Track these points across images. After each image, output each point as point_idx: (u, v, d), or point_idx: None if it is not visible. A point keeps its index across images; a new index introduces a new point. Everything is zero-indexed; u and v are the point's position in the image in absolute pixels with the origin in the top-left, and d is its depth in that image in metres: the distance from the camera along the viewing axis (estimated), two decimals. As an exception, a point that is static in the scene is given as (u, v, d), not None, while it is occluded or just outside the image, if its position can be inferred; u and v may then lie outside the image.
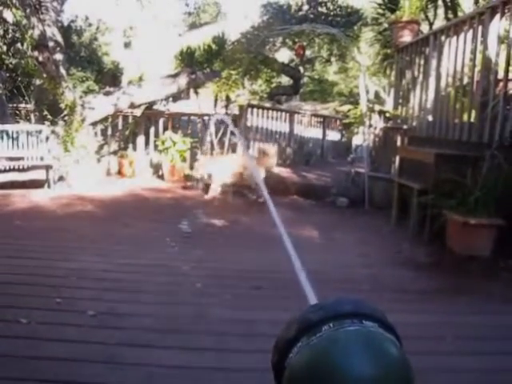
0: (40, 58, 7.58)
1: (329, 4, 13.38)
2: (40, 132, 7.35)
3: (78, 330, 2.61)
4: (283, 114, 10.31)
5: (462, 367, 2.45)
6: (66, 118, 7.53)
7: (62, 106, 7.46)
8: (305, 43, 12.24)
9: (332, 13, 13.01)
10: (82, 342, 2.47)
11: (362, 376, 0.44)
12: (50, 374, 2.19)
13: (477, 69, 5.23)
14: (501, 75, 4.75)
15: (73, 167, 7.49)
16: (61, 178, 7.42)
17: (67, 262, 3.76)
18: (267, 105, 11.94)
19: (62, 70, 7.83)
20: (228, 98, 8.70)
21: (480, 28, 5.08)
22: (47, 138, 7.40)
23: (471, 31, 5.24)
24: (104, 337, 2.54)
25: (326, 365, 0.45)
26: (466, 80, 5.47)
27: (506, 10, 4.64)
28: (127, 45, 18.97)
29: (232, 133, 6.75)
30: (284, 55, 13.63)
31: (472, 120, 5.17)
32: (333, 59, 14.06)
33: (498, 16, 4.80)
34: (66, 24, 11.89)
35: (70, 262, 3.74)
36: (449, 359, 2.49)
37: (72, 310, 2.83)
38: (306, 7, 13.44)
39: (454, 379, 2.31)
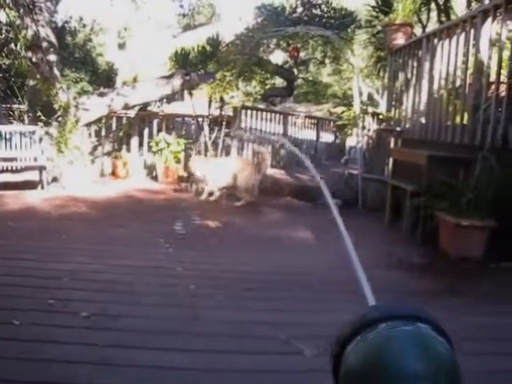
0: (33, 59, 7.56)
1: (323, 6, 13.40)
2: (33, 133, 7.33)
3: (71, 331, 2.60)
4: (277, 115, 10.33)
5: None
6: (59, 118, 7.51)
7: (56, 106, 7.45)
8: (299, 45, 12.26)
9: (326, 15, 13.03)
10: (75, 343, 2.47)
11: (411, 372, 0.47)
12: (42, 375, 2.19)
13: (469, 71, 5.26)
14: (493, 78, 4.78)
15: (66, 168, 7.47)
16: (54, 179, 7.40)
17: (60, 263, 3.75)
18: (261, 106, 11.96)
19: (56, 71, 7.81)
20: (222, 100, 8.70)
21: (472, 31, 5.12)
22: (41, 139, 7.38)
23: (463, 34, 5.28)
24: (97, 338, 2.53)
25: (379, 358, 0.49)
26: (458, 82, 5.50)
27: (498, 14, 4.68)
28: (121, 46, 18.93)
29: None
30: (278, 57, 13.64)
31: (464, 122, 5.21)
32: (327, 61, 14.07)
33: (489, 19, 4.84)
34: (59, 25, 11.84)
35: (62, 264, 3.73)
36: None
37: (65, 312, 2.83)
38: (300, 9, 13.46)
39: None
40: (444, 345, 0.51)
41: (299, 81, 16.71)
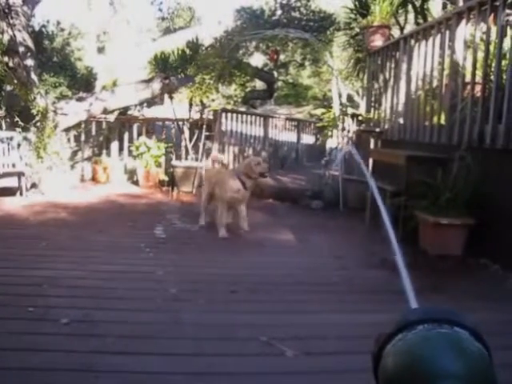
0: (10, 64, 7.47)
1: (302, 9, 13.51)
2: (11, 139, 7.23)
3: (51, 338, 2.57)
4: (257, 118, 10.35)
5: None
6: (38, 124, 7.42)
7: (34, 111, 7.36)
8: (278, 48, 12.32)
9: (305, 18, 13.13)
10: (55, 350, 2.44)
11: (446, 371, 0.50)
12: None
13: (445, 72, 5.34)
14: (468, 78, 4.86)
15: (46, 174, 7.39)
16: (33, 185, 7.31)
17: (40, 269, 3.70)
18: (242, 109, 11.97)
19: (34, 76, 7.73)
20: (203, 103, 8.70)
21: (447, 33, 5.21)
22: (19, 145, 7.28)
23: (439, 36, 5.37)
24: (78, 345, 2.51)
25: (416, 357, 0.52)
26: (435, 83, 5.58)
27: (472, 16, 4.76)
28: (101, 50, 18.79)
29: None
30: (258, 60, 13.69)
31: (442, 122, 5.28)
32: (306, 63, 14.18)
33: (464, 21, 4.92)
34: (37, 29, 11.71)
35: (42, 270, 3.68)
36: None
37: (45, 319, 2.79)
38: (279, 12, 13.54)
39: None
40: (481, 350, 0.53)
41: (279, 83, 16.79)
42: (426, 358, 0.51)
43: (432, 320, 0.55)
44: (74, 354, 2.41)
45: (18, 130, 7.30)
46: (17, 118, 7.26)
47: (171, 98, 9.11)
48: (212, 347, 2.59)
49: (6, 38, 7.44)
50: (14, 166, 7.17)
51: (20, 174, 7.03)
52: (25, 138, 7.34)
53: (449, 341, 0.53)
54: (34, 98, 7.41)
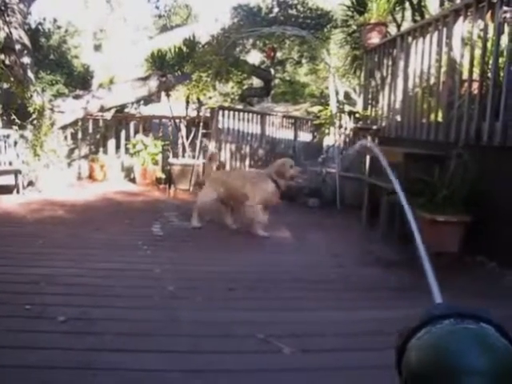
0: (6, 61, 7.44)
1: (299, 6, 13.47)
2: (8, 136, 7.21)
3: (48, 336, 2.57)
4: (254, 115, 10.34)
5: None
6: (34, 121, 7.40)
7: (31, 109, 7.33)
8: (275, 45, 12.30)
9: (302, 15, 13.10)
10: (53, 348, 2.43)
11: (472, 367, 0.49)
12: (17, 382, 2.16)
13: (442, 70, 5.35)
14: (466, 76, 4.86)
15: (42, 172, 7.37)
16: (30, 183, 7.29)
17: (37, 267, 3.70)
18: (239, 107, 11.96)
19: (30, 74, 7.70)
20: (200, 101, 8.68)
21: (445, 30, 5.21)
22: (15, 143, 7.26)
23: (436, 33, 5.36)
24: (75, 343, 2.50)
25: (441, 352, 0.51)
26: (432, 80, 5.58)
27: (469, 13, 4.76)
28: (97, 48, 18.75)
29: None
30: (255, 57, 13.67)
31: (439, 120, 5.29)
32: (303, 61, 14.16)
33: (461, 18, 4.92)
34: (33, 26, 11.66)
35: (39, 268, 3.68)
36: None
37: (42, 317, 2.79)
38: (276, 10, 13.50)
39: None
40: (507, 346, 0.53)
41: (276, 81, 16.77)
42: (452, 353, 0.50)
43: (458, 315, 0.55)
44: (72, 352, 2.41)
45: (15, 127, 7.27)
46: (13, 116, 7.23)
47: (168, 95, 9.09)
48: (210, 345, 2.59)
49: (2, 35, 7.41)
50: (10, 163, 7.15)
51: (17, 172, 7.01)
52: (21, 136, 7.32)
53: (475, 336, 0.53)
54: (31, 96, 7.39)
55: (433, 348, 0.52)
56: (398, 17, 9.38)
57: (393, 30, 8.35)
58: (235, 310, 3.09)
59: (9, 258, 3.95)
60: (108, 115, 9.20)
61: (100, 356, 2.40)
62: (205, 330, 2.76)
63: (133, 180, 8.62)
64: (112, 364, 2.34)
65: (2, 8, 7.32)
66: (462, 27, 4.94)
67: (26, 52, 7.65)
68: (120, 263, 4.01)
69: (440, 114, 5.33)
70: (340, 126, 7.12)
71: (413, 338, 0.54)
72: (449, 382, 0.49)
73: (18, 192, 6.96)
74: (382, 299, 3.42)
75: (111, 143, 9.20)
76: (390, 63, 6.76)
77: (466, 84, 4.84)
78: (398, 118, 6.35)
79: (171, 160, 8.38)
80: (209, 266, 4.05)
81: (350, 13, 8.56)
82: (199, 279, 3.68)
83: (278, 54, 14.12)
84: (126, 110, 10.43)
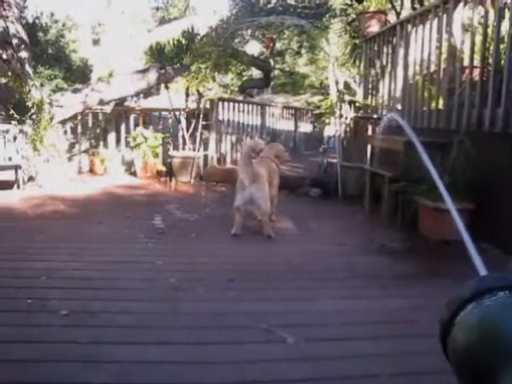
0: (4, 56, 7.39)
1: (297, -4, 13.41)
2: (7, 132, 7.18)
3: (51, 330, 2.56)
4: (254, 106, 10.29)
5: (439, 349, 2.48)
6: (33, 116, 7.36)
7: (29, 104, 7.30)
8: (274, 36, 12.24)
9: (300, 5, 13.05)
10: (55, 342, 2.43)
11: None
12: (21, 376, 2.15)
13: (443, 57, 5.30)
14: (466, 62, 4.82)
15: (43, 167, 7.35)
16: (31, 178, 7.28)
17: (38, 262, 3.70)
18: (239, 98, 11.91)
19: (28, 68, 7.66)
20: (199, 93, 8.64)
21: (445, 16, 5.15)
22: (15, 138, 7.23)
23: (436, 20, 5.31)
24: (77, 336, 2.50)
25: (496, 326, 0.46)
26: (432, 68, 5.53)
27: (469, 0, 4.72)
28: (96, 42, 18.66)
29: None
30: (254, 48, 13.60)
31: (440, 107, 5.25)
32: (303, 51, 14.10)
33: (461, 4, 4.87)
34: (30, 21, 11.62)
35: (41, 262, 3.67)
36: (426, 341, 2.51)
37: (43, 311, 2.78)
38: (274, 0, 13.44)
39: (432, 360, 2.34)
40: None
41: (276, 72, 16.71)
42: (507, 328, 0.45)
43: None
44: (73, 345, 2.40)
45: (14, 122, 7.24)
46: (12, 111, 7.19)
47: (167, 87, 9.05)
48: (212, 336, 2.58)
49: (-1, 29, 7.37)
50: (10, 159, 7.12)
51: (17, 167, 6.99)
52: (21, 131, 7.28)
53: None
54: (29, 91, 7.35)
55: (486, 324, 0.46)
56: (397, 5, 9.31)
57: (392, 18, 8.28)
58: (237, 301, 3.08)
59: (10, 253, 3.95)
60: (108, 108, 9.16)
61: (102, 348, 2.39)
62: (207, 321, 2.75)
63: (134, 173, 8.60)
64: (114, 356, 2.33)
65: (-1, 2, 7.27)
66: (462, 13, 4.89)
67: (23, 46, 7.60)
68: (121, 256, 4.00)
69: (441, 102, 5.29)
70: (340, 116, 7.08)
71: (462, 311, 0.49)
72: (503, 362, 0.43)
73: (18, 187, 6.95)
74: (386, 288, 3.41)
75: (111, 137, 9.17)
76: (390, 51, 6.71)
77: (466, 71, 4.79)
78: (399, 107, 6.31)
79: (172, 152, 8.35)
80: (211, 258, 4.03)
81: (348, 1, 8.50)
82: (201, 271, 3.67)
83: (278, 45, 14.07)
84: (126, 104, 10.40)
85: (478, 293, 0.49)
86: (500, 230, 4.04)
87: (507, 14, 4.26)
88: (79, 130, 9.01)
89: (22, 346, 2.38)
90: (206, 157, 8.46)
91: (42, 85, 8.73)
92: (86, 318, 2.72)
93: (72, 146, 8.93)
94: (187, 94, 8.62)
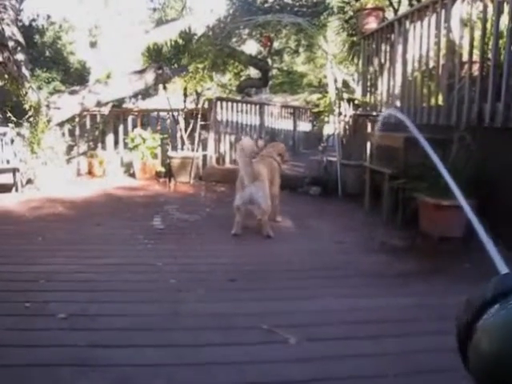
0: (0, 58, 7.36)
1: (294, -5, 13.35)
2: (4, 134, 7.14)
3: (48, 333, 2.53)
4: (253, 106, 10.25)
5: (442, 347, 2.44)
6: (30, 119, 7.33)
7: (26, 106, 7.27)
8: (272, 34, 12.20)
9: (298, 3, 12.99)
10: (53, 345, 2.39)
11: None
12: (17, 381, 2.12)
13: (442, 52, 5.26)
14: (465, 58, 4.78)
15: (41, 169, 7.31)
16: (29, 181, 7.24)
17: (36, 265, 3.66)
18: (237, 98, 11.87)
19: (25, 70, 7.62)
20: (197, 93, 8.61)
21: (443, 12, 5.12)
22: (12, 141, 7.19)
23: (435, 15, 5.28)
24: (75, 339, 2.46)
25: None
26: (431, 64, 5.50)
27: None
28: (93, 44, 18.62)
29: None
30: (252, 48, 13.56)
31: (439, 103, 5.21)
32: (301, 49, 14.06)
33: (459, 0, 4.83)
34: (26, 23, 11.58)
35: (39, 265, 3.63)
36: (429, 339, 2.49)
37: (41, 314, 2.75)
38: (271, -1, 13.39)
39: (435, 358, 2.31)
40: None
41: (274, 71, 16.67)
42: None
43: None
44: (73, 349, 2.36)
45: (11, 125, 7.21)
46: (9, 114, 7.16)
47: (165, 88, 9.01)
48: (213, 337, 2.55)
49: (-6, 32, 7.32)
50: (8, 162, 7.09)
51: (15, 170, 6.95)
52: (18, 134, 7.24)
53: None
54: (26, 93, 7.31)
55: None
56: (395, 1, 9.28)
57: (390, 15, 8.25)
58: (238, 302, 3.04)
59: (8, 256, 3.91)
60: (105, 110, 9.12)
61: (100, 352, 2.36)
62: (208, 322, 2.72)
63: (132, 175, 8.56)
64: (113, 360, 2.30)
65: (-6, 5, 7.23)
66: (460, 8, 4.86)
67: (19, 49, 7.56)
68: (121, 258, 3.96)
69: (440, 98, 5.26)
70: (339, 114, 7.05)
71: (484, 314, 0.44)
72: None
73: (16, 190, 6.91)
74: (385, 286, 3.37)
75: (109, 138, 9.14)
76: (388, 48, 6.67)
77: (466, 66, 4.76)
78: (398, 104, 6.27)
79: (170, 153, 8.32)
80: (211, 258, 4.00)
81: (346, -1, 8.47)
82: (201, 271, 3.64)
83: (275, 44, 14.02)
84: (124, 105, 10.35)
85: (502, 293, 0.44)
86: (503, 225, 4.00)
87: (506, 9, 4.22)
88: (77, 132, 8.98)
89: (18, 351, 2.34)
90: (204, 157, 8.42)
91: (39, 88, 8.68)
92: (85, 321, 2.69)
93: (70, 148, 8.89)
94: (185, 95, 8.58)
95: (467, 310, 0.46)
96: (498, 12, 4.19)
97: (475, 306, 0.45)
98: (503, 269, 0.59)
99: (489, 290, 0.45)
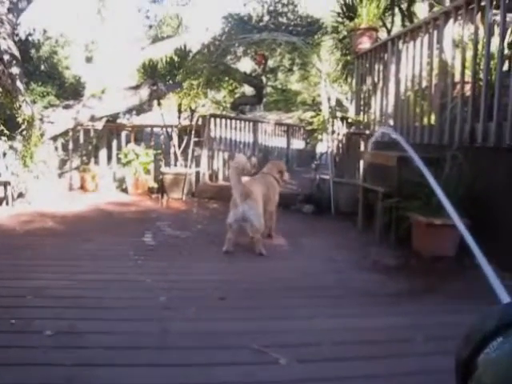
0: (-6, 72, 7.34)
1: (289, 14, 13.53)
2: (-4, 148, 7.11)
3: (34, 351, 2.46)
4: (247, 123, 10.28)
5: (435, 368, 2.41)
6: (24, 132, 7.30)
7: (20, 120, 7.24)
8: (266, 53, 12.30)
9: (292, 23, 13.15)
10: (38, 364, 2.33)
11: None
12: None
13: (434, 72, 5.31)
14: (457, 78, 4.82)
15: (33, 183, 7.27)
16: (20, 195, 7.19)
17: (24, 280, 3.60)
18: (231, 115, 11.91)
19: (19, 84, 7.60)
20: (191, 109, 8.63)
21: (435, 33, 5.18)
22: (4, 154, 7.16)
23: (427, 36, 5.34)
24: (62, 358, 2.40)
25: None
26: (424, 84, 5.54)
27: (459, 15, 4.74)
28: (89, 59, 18.69)
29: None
30: (246, 65, 13.66)
31: (432, 122, 5.25)
32: (295, 68, 14.18)
33: (451, 21, 4.89)
34: (23, 37, 11.61)
35: (26, 281, 3.58)
36: (421, 360, 2.46)
37: (27, 331, 2.69)
38: (266, 18, 13.54)
39: (426, 380, 2.28)
40: None
41: (268, 89, 16.78)
42: None
43: None
44: (58, 368, 2.30)
45: (4, 138, 7.17)
46: (2, 127, 7.13)
47: (160, 104, 9.03)
48: (203, 357, 2.50)
49: (-11, 46, 7.32)
50: (-1, 175, 7.05)
51: (6, 184, 6.91)
52: (11, 147, 7.21)
53: None
54: (20, 106, 7.29)
55: None
56: (388, 22, 9.40)
57: (383, 35, 8.35)
58: (228, 320, 3.00)
59: (-4, 271, 3.85)
60: (99, 125, 9.11)
61: (87, 371, 2.30)
62: (197, 341, 2.67)
63: (125, 190, 8.53)
64: (101, 379, 2.24)
65: (-10, 19, 7.24)
66: (452, 29, 4.91)
67: (14, 62, 7.55)
68: (110, 274, 3.91)
69: (433, 117, 5.29)
70: (333, 132, 7.08)
71: (486, 347, 0.41)
72: None
73: (7, 204, 6.86)
74: (378, 305, 3.34)
75: (103, 153, 9.12)
76: (382, 68, 6.73)
77: (458, 86, 4.80)
78: (391, 122, 6.30)
79: (163, 169, 8.31)
80: (201, 275, 3.96)
81: (340, 19, 8.56)
82: (192, 289, 3.59)
83: (270, 62, 14.13)
84: (118, 121, 10.36)
85: (504, 324, 0.41)
86: (494, 244, 4.00)
87: (497, 31, 4.27)
88: (70, 146, 8.96)
89: (2, 370, 2.28)
90: (197, 173, 8.41)
91: (34, 101, 8.67)
92: (72, 339, 2.63)
93: (63, 162, 8.87)
94: (179, 111, 8.60)
95: (467, 345, 0.43)
96: (489, 34, 4.24)
97: (475, 340, 0.42)
98: (504, 297, 0.55)
99: (490, 320, 0.42)
